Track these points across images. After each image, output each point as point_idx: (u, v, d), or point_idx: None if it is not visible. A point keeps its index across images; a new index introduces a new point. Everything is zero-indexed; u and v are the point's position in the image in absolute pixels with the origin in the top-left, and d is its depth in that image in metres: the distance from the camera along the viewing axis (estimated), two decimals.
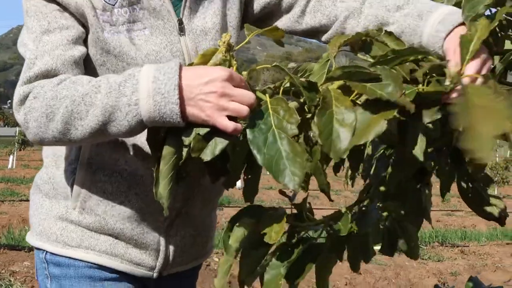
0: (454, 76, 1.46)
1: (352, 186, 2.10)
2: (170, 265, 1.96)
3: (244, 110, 1.43)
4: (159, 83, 1.45)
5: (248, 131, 1.39)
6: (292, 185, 1.33)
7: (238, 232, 1.56)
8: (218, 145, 1.42)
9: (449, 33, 1.65)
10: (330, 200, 1.64)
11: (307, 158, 1.39)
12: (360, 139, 1.36)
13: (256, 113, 1.41)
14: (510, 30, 1.78)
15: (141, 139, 1.80)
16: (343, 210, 1.66)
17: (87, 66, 1.74)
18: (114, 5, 1.74)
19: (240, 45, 1.60)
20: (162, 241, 1.92)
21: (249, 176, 1.54)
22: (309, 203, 1.69)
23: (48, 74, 1.64)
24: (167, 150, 1.44)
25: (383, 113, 1.38)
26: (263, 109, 1.42)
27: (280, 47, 1.84)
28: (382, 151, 1.68)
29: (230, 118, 1.43)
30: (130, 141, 1.81)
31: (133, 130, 1.53)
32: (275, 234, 1.49)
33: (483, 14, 1.53)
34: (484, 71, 1.53)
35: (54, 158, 1.90)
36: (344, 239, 1.63)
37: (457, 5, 1.68)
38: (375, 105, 1.40)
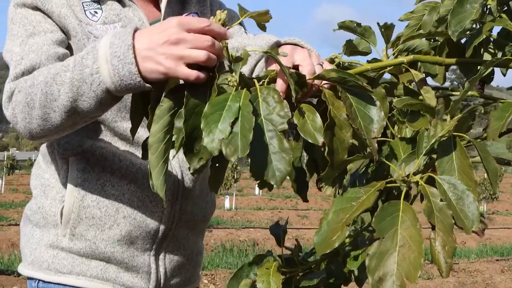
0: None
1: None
2: None
3: (202, 54, 1.35)
4: (114, 47, 1.45)
5: None
6: (274, 181, 1.27)
7: None
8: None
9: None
10: (305, 200, 1.63)
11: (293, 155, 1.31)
12: (328, 247, 1.36)
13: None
14: (490, 44, 1.81)
15: (126, 162, 1.85)
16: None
17: None
18: (96, 21, 1.83)
19: (233, 25, 1.55)
20: (153, 263, 1.94)
21: (217, 165, 1.42)
22: (298, 243, 1.71)
23: (33, 70, 1.70)
24: (153, 138, 1.35)
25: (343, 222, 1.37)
26: (252, 96, 1.31)
27: None
28: (364, 168, 1.69)
29: (197, 68, 1.36)
30: (116, 164, 1.85)
31: (103, 102, 1.52)
32: None
33: (470, 29, 1.54)
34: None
35: (42, 188, 1.92)
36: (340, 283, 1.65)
37: (442, 20, 1.69)
38: None
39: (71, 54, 1.80)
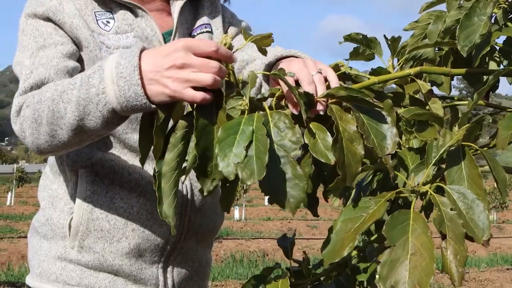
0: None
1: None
2: None
3: (208, 78, 1.34)
4: (121, 68, 1.44)
5: None
6: (288, 208, 1.27)
7: None
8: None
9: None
10: (316, 215, 1.63)
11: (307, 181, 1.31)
12: (336, 257, 1.36)
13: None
14: (496, 52, 1.81)
15: (135, 175, 1.85)
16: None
17: None
18: (108, 31, 1.83)
19: (237, 48, 1.55)
20: (161, 276, 1.93)
21: (227, 185, 1.41)
22: (306, 256, 1.70)
23: (42, 84, 1.69)
24: (167, 166, 1.36)
25: (355, 228, 1.38)
26: (264, 121, 1.30)
27: None
28: (370, 177, 1.68)
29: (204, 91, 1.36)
30: (125, 177, 1.85)
31: (109, 121, 1.52)
32: None
33: (479, 43, 1.53)
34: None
35: (50, 199, 1.92)
36: None
37: (448, 30, 1.68)
38: None
39: (82, 66, 1.81)
